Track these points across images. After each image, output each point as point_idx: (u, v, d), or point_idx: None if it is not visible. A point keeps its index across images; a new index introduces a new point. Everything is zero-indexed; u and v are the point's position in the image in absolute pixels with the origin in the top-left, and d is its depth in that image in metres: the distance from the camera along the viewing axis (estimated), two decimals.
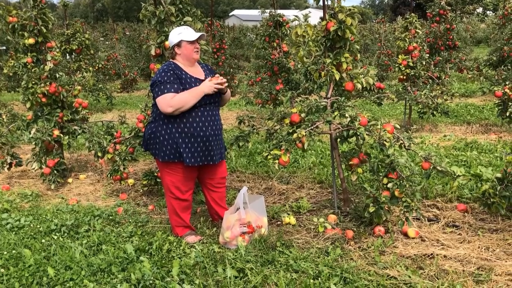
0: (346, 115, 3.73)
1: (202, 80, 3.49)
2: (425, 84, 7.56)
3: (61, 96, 5.36)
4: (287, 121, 3.93)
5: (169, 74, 3.36)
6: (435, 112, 6.80)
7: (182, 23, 4.43)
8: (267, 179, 5.17)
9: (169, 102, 3.28)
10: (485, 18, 40.62)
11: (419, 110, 7.12)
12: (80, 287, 2.92)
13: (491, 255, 3.23)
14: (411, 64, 7.10)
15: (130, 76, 14.95)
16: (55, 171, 5.20)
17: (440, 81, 7.35)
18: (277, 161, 3.64)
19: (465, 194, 4.27)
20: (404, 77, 7.20)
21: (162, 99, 3.31)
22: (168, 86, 3.32)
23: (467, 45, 18.05)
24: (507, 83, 6.37)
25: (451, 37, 9.79)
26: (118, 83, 14.99)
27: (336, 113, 3.78)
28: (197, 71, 3.55)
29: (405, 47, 7.09)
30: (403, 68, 7.11)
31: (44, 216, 4.21)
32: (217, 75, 3.51)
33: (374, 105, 7.55)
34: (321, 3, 3.80)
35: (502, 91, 6.23)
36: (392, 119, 8.07)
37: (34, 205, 4.65)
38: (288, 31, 8.12)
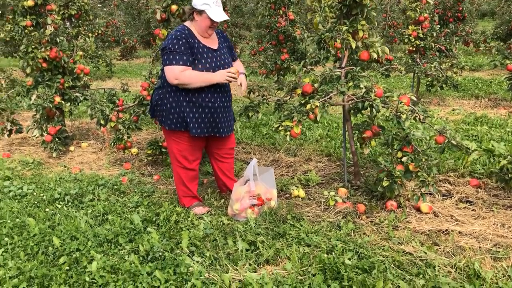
0: (361, 85, 3.59)
1: (215, 50, 3.32)
2: (433, 56, 7.37)
3: (62, 62, 5.19)
4: (299, 91, 3.79)
5: (180, 42, 3.16)
6: (444, 85, 6.64)
7: None
8: (273, 151, 5.06)
9: (177, 75, 3.14)
10: None
11: (427, 83, 6.97)
12: (87, 258, 2.83)
13: (507, 232, 3.16)
14: (421, 35, 6.90)
15: (130, 44, 14.66)
16: (57, 139, 5.08)
17: (450, 53, 7.16)
18: (288, 132, 3.52)
19: (477, 169, 4.18)
20: (414, 49, 7.02)
21: (170, 69, 3.16)
22: (178, 57, 3.14)
23: (472, 18, 17.73)
24: None
25: (461, 8, 9.53)
26: (117, 50, 14.70)
27: (350, 83, 3.64)
28: (210, 40, 3.36)
29: (415, 17, 6.88)
30: (413, 39, 6.92)
31: (47, 185, 4.11)
32: (236, 70, 3.28)
33: (381, 77, 7.37)
34: None
35: None
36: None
37: (36, 173, 4.54)
38: None
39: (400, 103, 3.44)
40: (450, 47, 7.48)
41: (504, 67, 6.80)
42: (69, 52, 5.31)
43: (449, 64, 6.71)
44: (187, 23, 3.33)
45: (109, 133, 5.89)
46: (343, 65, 3.78)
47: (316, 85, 3.67)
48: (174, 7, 4.24)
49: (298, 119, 3.50)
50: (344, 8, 3.63)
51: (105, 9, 22.71)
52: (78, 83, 5.43)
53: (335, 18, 3.75)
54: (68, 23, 10.46)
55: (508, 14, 12.43)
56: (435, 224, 3.30)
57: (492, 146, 4.63)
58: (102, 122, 4.78)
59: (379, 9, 13.78)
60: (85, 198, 3.78)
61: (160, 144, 4.66)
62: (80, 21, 10.44)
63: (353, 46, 3.61)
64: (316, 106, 3.44)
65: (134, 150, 4.98)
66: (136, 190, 4.00)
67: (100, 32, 12.08)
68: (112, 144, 4.71)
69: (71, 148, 5.34)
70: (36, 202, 3.71)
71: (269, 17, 8.07)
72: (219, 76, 3.21)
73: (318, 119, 3.53)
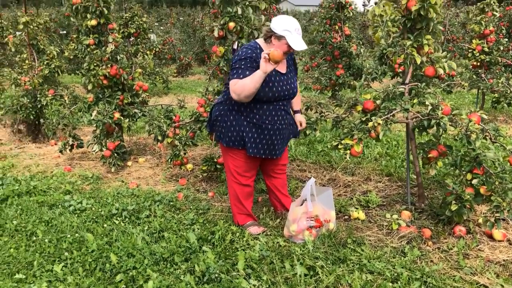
0: (427, 102, 3.40)
1: (283, 74, 3.22)
2: (499, 71, 6.98)
3: (122, 79, 5.32)
4: (359, 108, 3.65)
5: (248, 59, 3.06)
6: None
7: (248, 3, 4.22)
8: (329, 169, 4.91)
9: (232, 87, 3.07)
10: None
11: (493, 100, 6.59)
12: (143, 276, 2.81)
13: None
14: (486, 49, 6.56)
15: (185, 61, 14.97)
16: (115, 154, 5.18)
17: None
18: (348, 151, 3.38)
19: None
20: (478, 64, 6.67)
21: (230, 84, 3.10)
22: (240, 71, 3.05)
23: None
24: None
25: None
26: (173, 67, 15.06)
27: (415, 100, 3.46)
28: (279, 65, 3.20)
29: (480, 31, 6.55)
30: (477, 54, 6.58)
31: (105, 200, 4.17)
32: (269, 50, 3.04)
33: (443, 93, 7.05)
34: None
35: None
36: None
37: (95, 187, 4.63)
38: (351, 14, 7.72)
39: (470, 121, 3.22)
40: None
41: None
42: (129, 69, 5.44)
43: None
44: (259, 41, 3.23)
45: (165, 149, 5.95)
46: (406, 81, 3.61)
47: (378, 101, 3.52)
48: (231, 24, 4.23)
49: (359, 137, 3.35)
50: (408, 22, 3.47)
51: (161, 28, 23.47)
52: (136, 99, 5.54)
53: (398, 32, 3.59)
54: (127, 41, 10.83)
55: None
56: (511, 253, 3.03)
57: None
58: (159, 137, 4.82)
59: (451, 23, 13.29)
60: (141, 214, 3.79)
61: (215, 160, 4.64)
62: (138, 39, 10.78)
63: (418, 61, 3.43)
64: (379, 123, 3.29)
65: (189, 166, 4.98)
66: (191, 206, 3.97)
67: (157, 49, 12.42)
68: (169, 160, 4.74)
69: (129, 163, 5.43)
70: (94, 217, 3.76)
71: (324, 32, 7.97)
72: (262, 66, 2.92)
73: (380, 137, 3.37)
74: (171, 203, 4.06)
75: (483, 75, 6.62)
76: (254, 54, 3.09)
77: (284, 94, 3.22)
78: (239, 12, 4.21)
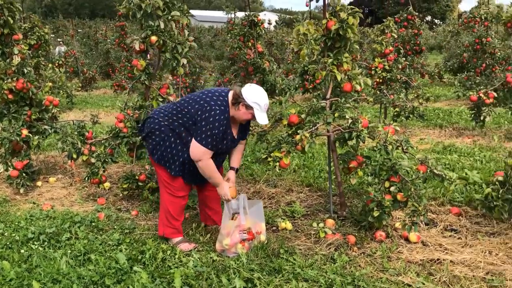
0: (347, 116, 3.63)
1: (234, 139, 3.35)
2: (399, 88, 7.62)
3: (30, 93, 4.96)
4: (284, 122, 3.78)
5: (221, 128, 3.15)
6: (411, 116, 6.85)
7: (170, 17, 4.19)
8: (253, 183, 4.99)
9: (203, 157, 3.17)
10: (434, 26, 42.36)
11: (394, 113, 7.17)
12: None
13: (495, 259, 3.21)
14: (387, 67, 7.14)
15: (89, 74, 14.33)
16: (24, 174, 4.80)
17: (414, 84, 7.43)
18: (277, 163, 3.49)
19: (456, 198, 4.27)
20: (380, 80, 7.23)
21: (200, 149, 3.15)
22: (214, 143, 3.16)
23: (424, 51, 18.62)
24: (481, 88, 6.52)
25: (418, 42, 9.99)
26: (77, 81, 14.33)
27: (336, 114, 3.67)
28: (235, 125, 3.35)
29: (381, 50, 7.12)
30: (379, 71, 7.13)
31: (17, 223, 3.85)
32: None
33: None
34: (321, 2, 3.69)
35: (477, 95, 6.36)
36: None
37: (3, 211, 4.25)
38: (263, 31, 7.98)
39: (387, 133, 3.49)
40: (411, 79, 7.77)
41: (466, 98, 7.13)
42: (37, 83, 5.09)
43: (415, 95, 6.95)
44: (230, 108, 3.23)
45: (77, 167, 5.63)
46: (327, 96, 3.81)
47: (302, 116, 3.68)
48: (153, 38, 4.16)
49: (287, 149, 3.47)
50: (328, 41, 3.69)
51: (59, 40, 22.23)
52: (45, 115, 5.20)
53: (319, 50, 3.80)
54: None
55: (456, 48, 13.15)
56: (426, 253, 3.31)
57: (466, 174, 4.77)
58: (74, 155, 4.55)
59: (362, 42, 14.18)
60: (62, 237, 3.55)
61: (137, 178, 4.49)
62: (40, 51, 10.12)
63: (339, 78, 3.65)
64: (306, 136, 3.43)
65: (107, 185, 4.77)
66: (115, 226, 3.80)
67: (60, 62, 11.75)
68: (86, 178, 4.49)
69: (39, 183, 5.06)
70: (8, 243, 3.45)
71: (237, 49, 8.13)
72: (223, 190, 3.34)
73: (306, 149, 3.52)
74: (93, 223, 3.86)
75: (385, 91, 7.18)
76: (226, 123, 3.19)
77: (228, 151, 3.42)
78: (162, 26, 4.16)
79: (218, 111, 3.14)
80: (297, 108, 3.76)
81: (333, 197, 4.22)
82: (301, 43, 3.54)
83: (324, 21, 3.67)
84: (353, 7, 3.60)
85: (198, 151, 3.16)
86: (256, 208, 3.47)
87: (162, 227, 3.48)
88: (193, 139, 3.18)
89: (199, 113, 3.15)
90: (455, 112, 8.72)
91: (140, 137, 4.21)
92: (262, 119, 3.20)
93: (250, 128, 3.94)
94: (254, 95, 3.15)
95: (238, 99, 3.17)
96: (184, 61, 4.21)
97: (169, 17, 4.21)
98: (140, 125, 3.63)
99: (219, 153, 3.33)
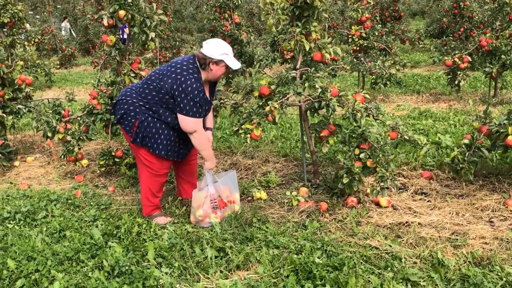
0: (316, 86, 3.66)
1: (208, 99, 3.35)
2: (376, 55, 7.64)
3: (1, 73, 4.89)
4: (256, 93, 3.80)
5: (201, 95, 3.17)
6: (388, 82, 6.89)
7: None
8: (230, 155, 5.03)
9: (197, 127, 3.22)
10: None
11: (372, 81, 7.21)
12: (47, 279, 2.68)
13: (461, 220, 3.32)
14: (364, 35, 7.13)
15: (68, 52, 14.10)
16: (0, 154, 4.79)
17: (392, 51, 7.45)
18: (248, 135, 3.52)
19: (428, 162, 4.36)
20: (358, 48, 7.23)
21: (190, 121, 3.17)
22: (200, 110, 3.20)
23: (405, 17, 18.55)
24: (456, 52, 6.56)
25: (397, 8, 9.95)
26: (56, 58, 14.10)
27: (306, 84, 3.69)
28: (206, 86, 3.36)
29: (357, 18, 7.10)
30: (356, 39, 7.13)
31: None
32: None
33: (328, 76, 7.53)
34: None
35: (452, 60, 6.40)
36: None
37: None
38: (240, 2, 7.88)
39: (355, 101, 3.53)
40: (389, 45, 7.78)
41: (442, 63, 7.17)
42: (8, 62, 5.02)
43: (392, 62, 6.98)
44: (201, 73, 3.23)
45: (55, 146, 5.62)
46: (297, 67, 3.82)
47: (272, 87, 3.70)
48: (121, 12, 4.11)
49: (258, 121, 3.50)
50: (296, 10, 3.67)
51: (37, 16, 21.74)
52: (19, 94, 5.14)
53: (288, 20, 3.78)
54: (1, 32, 9.90)
55: (438, 13, 13.13)
56: (395, 217, 3.41)
57: (439, 138, 4.86)
58: (49, 134, 4.54)
59: (330, 10, 14.08)
60: (38, 215, 3.58)
61: (113, 154, 4.50)
62: (14, 30, 9.91)
63: (307, 47, 3.66)
64: (275, 107, 3.46)
65: (84, 162, 4.79)
66: (92, 203, 3.84)
67: (37, 40, 11.52)
68: (62, 156, 4.50)
69: (16, 163, 5.05)
70: None
71: (214, 20, 8.04)
72: (211, 162, 3.38)
73: (276, 120, 3.55)
74: (69, 201, 3.89)
75: (362, 59, 7.19)
76: (201, 88, 3.19)
77: (205, 113, 3.39)
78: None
79: (193, 79, 3.14)
80: (268, 79, 3.78)
81: (308, 166, 4.29)
82: (268, 12, 3.52)
83: None
84: None
85: (188, 123, 3.19)
86: (228, 177, 3.50)
87: (145, 208, 3.52)
88: (179, 115, 3.18)
89: (174, 87, 3.14)
90: (433, 77, 8.78)
91: (114, 120, 4.17)
92: (234, 64, 3.24)
93: (224, 100, 3.97)
94: (217, 48, 3.16)
95: (206, 61, 3.18)
96: (153, 34, 4.17)
97: None
98: (111, 107, 3.61)
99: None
